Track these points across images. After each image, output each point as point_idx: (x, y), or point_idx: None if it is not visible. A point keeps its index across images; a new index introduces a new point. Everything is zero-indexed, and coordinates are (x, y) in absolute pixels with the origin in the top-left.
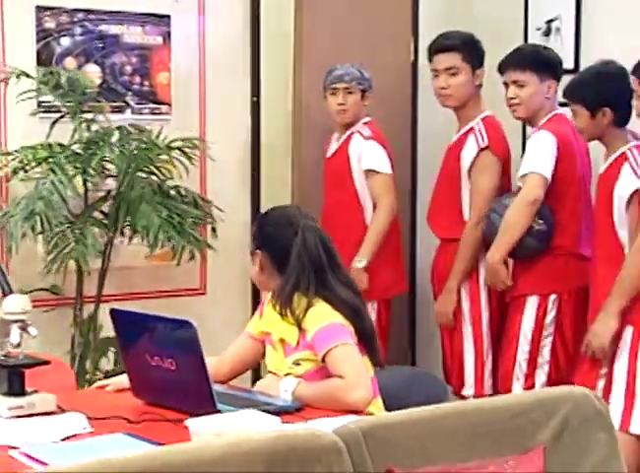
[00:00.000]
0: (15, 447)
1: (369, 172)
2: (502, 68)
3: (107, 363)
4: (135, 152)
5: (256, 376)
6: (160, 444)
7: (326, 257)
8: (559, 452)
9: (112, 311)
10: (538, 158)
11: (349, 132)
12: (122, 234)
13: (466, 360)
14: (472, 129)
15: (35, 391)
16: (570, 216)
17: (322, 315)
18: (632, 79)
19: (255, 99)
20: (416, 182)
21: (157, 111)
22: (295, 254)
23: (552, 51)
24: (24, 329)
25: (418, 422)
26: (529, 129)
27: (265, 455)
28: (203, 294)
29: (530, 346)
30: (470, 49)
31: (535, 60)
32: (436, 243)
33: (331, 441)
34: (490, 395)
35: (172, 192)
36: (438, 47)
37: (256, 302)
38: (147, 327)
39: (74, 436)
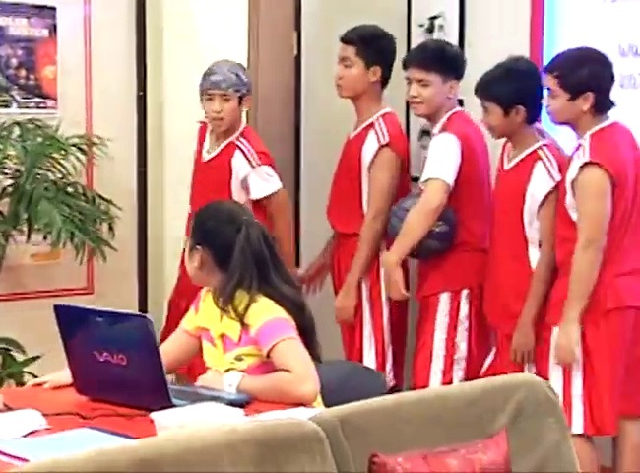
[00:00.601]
0: None
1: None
2: (406, 65)
3: None
4: (36, 148)
5: None
6: (130, 438)
7: (268, 253)
8: (517, 436)
9: (56, 307)
10: (440, 163)
11: (228, 141)
12: (21, 232)
13: (365, 356)
14: (372, 125)
15: None
16: (474, 214)
17: (265, 311)
18: (546, 76)
19: (141, 93)
20: (300, 176)
21: (42, 106)
22: (239, 250)
23: (457, 50)
24: None
25: (388, 410)
26: None
27: (254, 444)
28: (90, 293)
29: (446, 342)
30: (365, 45)
31: (440, 60)
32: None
33: (312, 430)
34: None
35: (70, 189)
36: (341, 37)
37: (143, 301)
38: (95, 323)
39: (32, 432)
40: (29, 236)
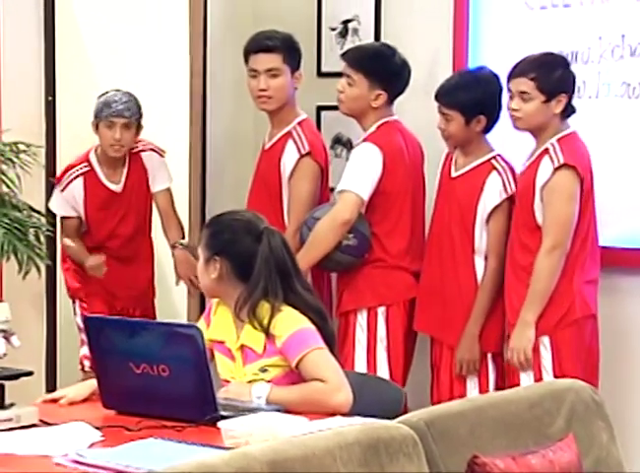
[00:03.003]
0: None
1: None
2: (342, 58)
3: None
4: None
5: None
6: (202, 446)
7: (290, 261)
8: (576, 438)
9: (86, 319)
10: (357, 175)
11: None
12: None
13: None
14: (289, 134)
15: (13, 404)
16: (391, 230)
17: (292, 321)
18: (518, 80)
19: (51, 98)
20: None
21: None
22: (262, 260)
23: (401, 64)
24: (7, 339)
25: (466, 413)
26: None
27: (361, 446)
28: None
29: (367, 361)
30: (290, 51)
31: (368, 65)
32: None
33: (408, 433)
34: None
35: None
36: (259, 47)
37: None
38: (132, 334)
39: (92, 444)
40: None
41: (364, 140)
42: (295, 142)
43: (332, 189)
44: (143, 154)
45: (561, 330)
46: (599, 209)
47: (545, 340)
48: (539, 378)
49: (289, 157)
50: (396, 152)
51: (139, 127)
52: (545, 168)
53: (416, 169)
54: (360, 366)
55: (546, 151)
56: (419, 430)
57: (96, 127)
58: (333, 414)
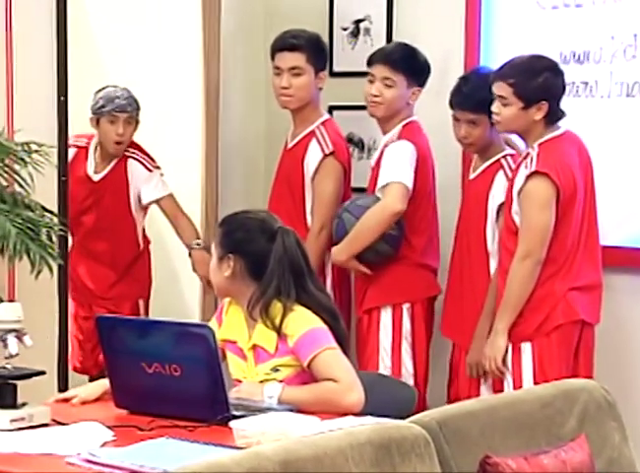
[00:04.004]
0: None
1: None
2: (372, 61)
3: None
4: None
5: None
6: (214, 445)
7: (303, 261)
8: (587, 439)
9: (98, 319)
10: (399, 167)
11: (118, 159)
12: None
13: None
14: (313, 133)
15: (25, 403)
16: (416, 228)
17: (304, 320)
18: (499, 84)
19: (63, 98)
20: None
21: None
22: (276, 259)
23: (425, 57)
24: (19, 339)
25: (478, 413)
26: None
27: (372, 446)
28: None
29: (391, 359)
30: (315, 51)
31: (409, 63)
32: None
33: (420, 433)
34: None
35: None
36: (284, 45)
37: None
38: (144, 333)
39: (104, 443)
40: None
41: (399, 138)
42: (319, 141)
43: (353, 189)
44: (130, 160)
45: (543, 336)
46: (609, 209)
47: (526, 346)
48: (518, 386)
49: (313, 156)
50: (425, 150)
51: (137, 123)
52: (521, 175)
53: (433, 172)
54: (385, 363)
55: (526, 156)
56: (431, 430)
57: (97, 122)
58: (345, 414)
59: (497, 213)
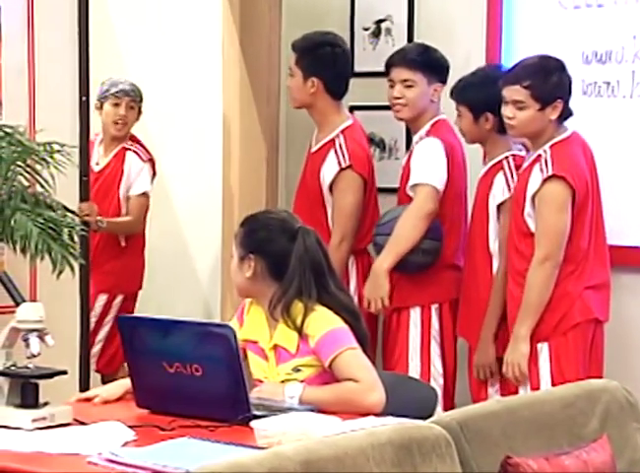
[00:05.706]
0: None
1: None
2: (389, 66)
3: None
4: (14, 155)
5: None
6: (236, 445)
7: (324, 260)
8: (610, 440)
9: (119, 319)
10: (429, 167)
11: (119, 147)
12: None
13: None
14: (332, 143)
15: (47, 403)
16: (450, 228)
17: (325, 320)
18: (513, 88)
19: (84, 98)
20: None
21: None
22: (297, 259)
23: (440, 53)
24: (41, 338)
25: (499, 414)
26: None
27: (393, 446)
28: None
29: (420, 359)
30: (306, 54)
31: (424, 61)
32: None
33: (441, 433)
34: None
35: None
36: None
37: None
38: (165, 333)
39: (126, 443)
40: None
41: (427, 135)
42: (336, 153)
43: (379, 189)
44: (127, 153)
45: (560, 335)
46: (624, 209)
47: (544, 347)
48: (536, 387)
49: (329, 168)
50: (455, 148)
51: (139, 112)
52: (536, 178)
53: (464, 169)
54: (414, 362)
55: (538, 158)
56: (452, 430)
57: (101, 107)
58: (366, 414)
59: (497, 214)
